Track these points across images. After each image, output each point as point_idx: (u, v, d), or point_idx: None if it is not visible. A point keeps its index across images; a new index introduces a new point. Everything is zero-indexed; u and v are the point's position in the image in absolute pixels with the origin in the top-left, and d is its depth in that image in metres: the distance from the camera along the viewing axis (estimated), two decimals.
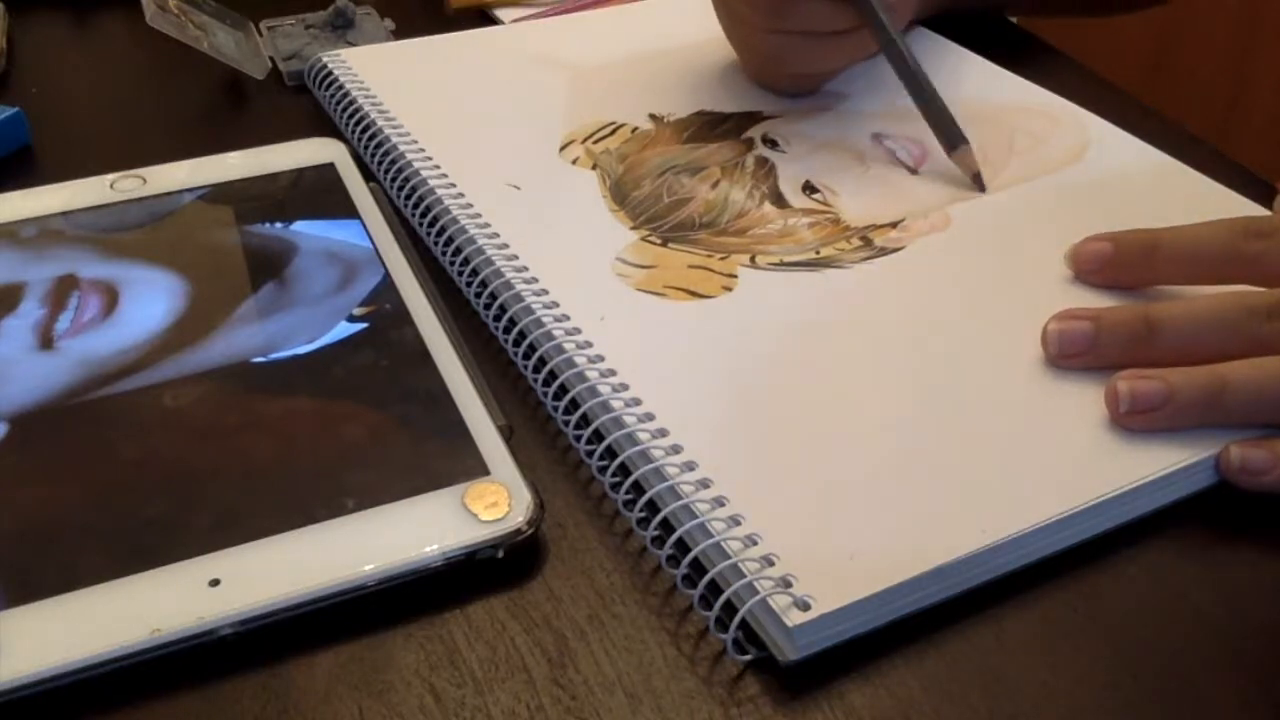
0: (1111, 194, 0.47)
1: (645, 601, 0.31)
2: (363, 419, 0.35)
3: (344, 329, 0.39)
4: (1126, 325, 0.37)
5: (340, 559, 0.31)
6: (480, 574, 0.32)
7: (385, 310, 0.40)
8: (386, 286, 0.41)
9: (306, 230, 0.44)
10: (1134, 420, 0.35)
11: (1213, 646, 0.31)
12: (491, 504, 0.32)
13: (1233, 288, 0.38)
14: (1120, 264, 0.40)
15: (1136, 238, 0.40)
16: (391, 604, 0.31)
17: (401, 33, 0.61)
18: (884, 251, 0.44)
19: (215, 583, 0.30)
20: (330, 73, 0.54)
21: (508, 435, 0.35)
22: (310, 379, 0.37)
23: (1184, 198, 0.47)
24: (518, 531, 0.32)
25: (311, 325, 0.39)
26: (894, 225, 0.45)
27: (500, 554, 0.32)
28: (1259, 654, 0.30)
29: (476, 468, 0.34)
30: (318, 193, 0.46)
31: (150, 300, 0.40)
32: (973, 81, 0.56)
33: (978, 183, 0.48)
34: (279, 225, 0.44)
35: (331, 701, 0.29)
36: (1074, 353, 0.37)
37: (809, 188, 0.47)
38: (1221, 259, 0.38)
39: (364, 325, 0.39)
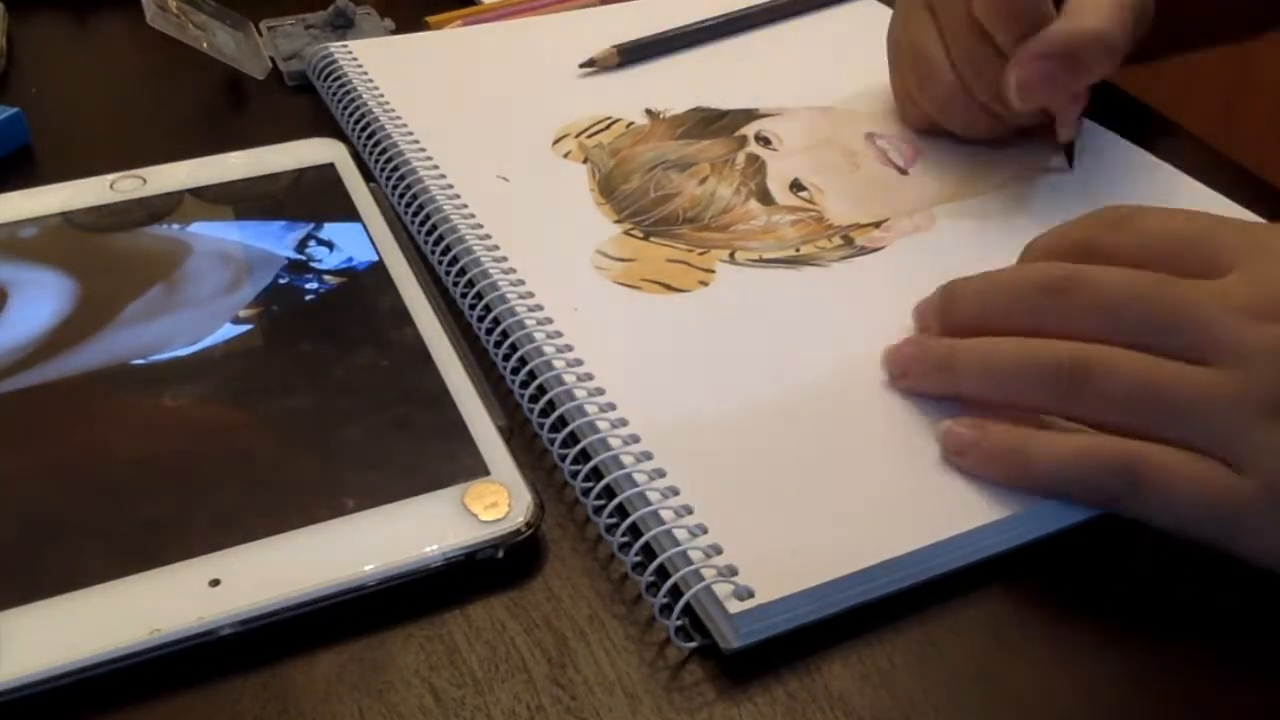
0: (1098, 197, 0.47)
1: (645, 601, 0.31)
2: (250, 425, 0.35)
3: (228, 330, 0.39)
4: (932, 299, 0.37)
5: (340, 559, 0.31)
6: (480, 574, 0.32)
7: (385, 310, 0.40)
8: (387, 287, 0.41)
9: (203, 231, 0.44)
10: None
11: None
12: (491, 504, 0.32)
13: (1034, 263, 0.37)
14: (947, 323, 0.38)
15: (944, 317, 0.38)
16: (391, 604, 0.31)
17: (401, 33, 0.61)
18: (864, 251, 0.44)
19: (215, 583, 0.30)
20: (334, 63, 0.55)
21: (508, 435, 0.35)
22: (190, 381, 0.37)
23: (1172, 202, 0.46)
24: (518, 531, 0.32)
25: (195, 327, 0.39)
26: (877, 225, 0.45)
27: (500, 554, 0.32)
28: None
29: (476, 468, 0.34)
30: (318, 193, 0.46)
31: (38, 302, 0.40)
32: None
33: (1068, 153, 0.49)
34: (176, 226, 0.44)
35: (331, 701, 0.29)
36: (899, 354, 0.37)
37: (797, 186, 0.47)
38: (1069, 249, 0.36)
39: (249, 327, 0.39)
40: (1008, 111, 0.47)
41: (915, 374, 0.36)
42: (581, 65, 0.55)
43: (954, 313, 0.37)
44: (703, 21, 0.59)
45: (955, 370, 0.35)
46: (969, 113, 0.48)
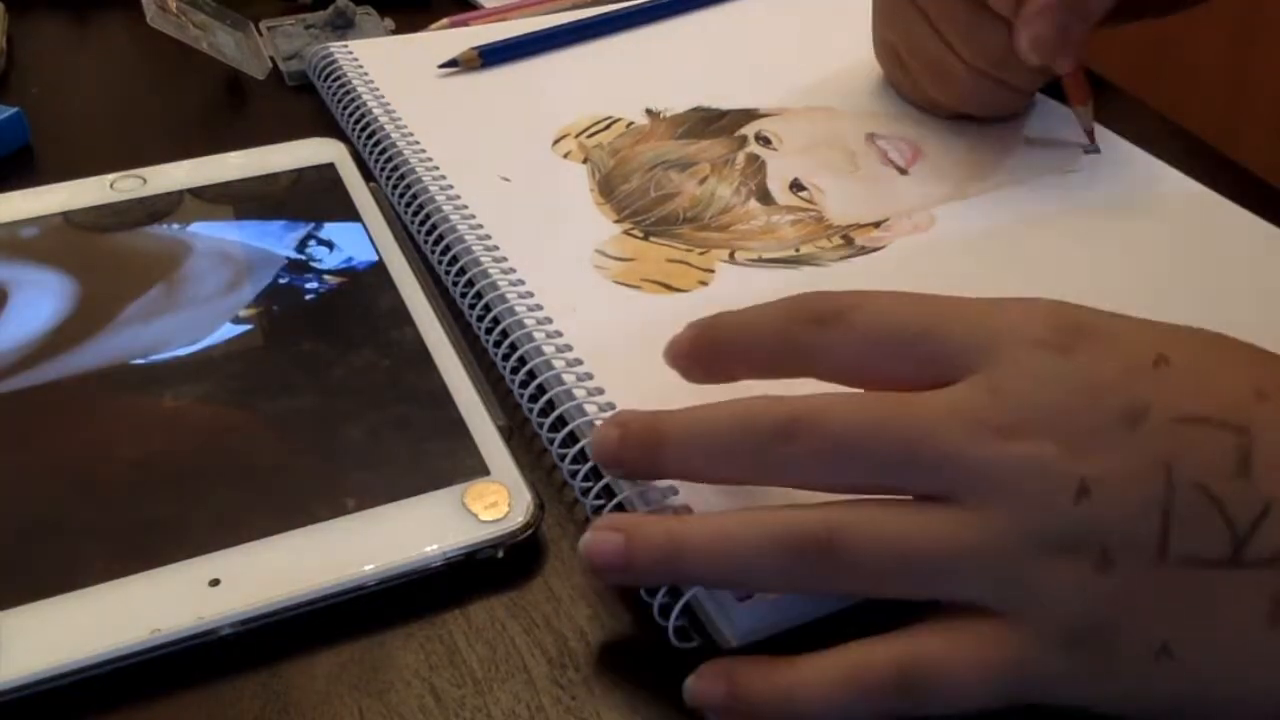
0: (1100, 201, 0.47)
1: (645, 601, 0.31)
2: (250, 425, 0.35)
3: (228, 330, 0.39)
4: (638, 435, 0.30)
5: (340, 559, 0.31)
6: (480, 574, 0.32)
7: (385, 310, 0.40)
8: (387, 287, 0.41)
9: (203, 231, 0.44)
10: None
11: None
12: (491, 504, 0.32)
13: (749, 399, 0.30)
14: (698, 361, 0.33)
15: (703, 330, 0.32)
16: (391, 604, 0.31)
17: (401, 33, 0.61)
18: (864, 251, 0.44)
19: (215, 583, 0.30)
20: (334, 63, 0.55)
21: (508, 435, 0.35)
22: (190, 381, 0.37)
23: (1174, 205, 0.47)
24: (518, 531, 0.32)
25: (195, 327, 0.39)
26: (877, 225, 0.45)
27: (500, 554, 0.32)
28: None
29: (476, 468, 0.34)
30: (318, 193, 0.46)
31: (38, 302, 0.40)
32: None
33: (1090, 138, 0.49)
34: (176, 226, 0.44)
35: (331, 701, 0.29)
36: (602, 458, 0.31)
37: (796, 186, 0.47)
38: (771, 350, 0.31)
39: (249, 327, 0.39)
40: (1016, 78, 0.47)
41: (635, 567, 0.29)
42: (441, 65, 0.55)
43: (665, 461, 0.30)
44: (577, 21, 0.59)
45: (683, 560, 0.28)
46: (980, 90, 0.49)
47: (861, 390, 0.30)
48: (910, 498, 0.28)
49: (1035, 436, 0.27)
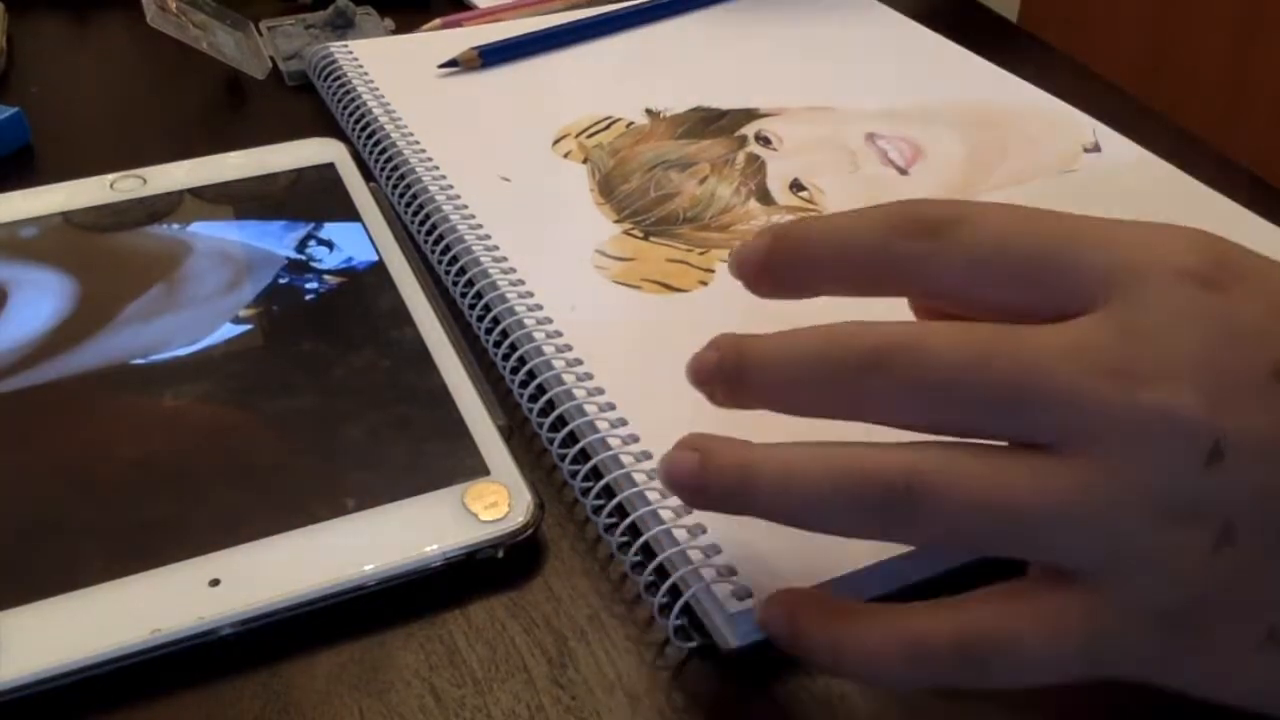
0: (1104, 200, 0.47)
1: (645, 601, 0.31)
2: (250, 425, 0.35)
3: (228, 330, 0.39)
4: (724, 358, 0.28)
5: (340, 559, 0.31)
6: (480, 574, 0.32)
7: (385, 310, 0.40)
8: (387, 287, 0.41)
9: (203, 231, 0.44)
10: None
11: None
12: (491, 504, 0.32)
13: (839, 325, 0.27)
14: (774, 273, 0.29)
15: (785, 237, 0.29)
16: (391, 604, 0.31)
17: (401, 33, 0.61)
18: None
19: (215, 583, 0.30)
20: (334, 62, 0.55)
21: (508, 435, 0.35)
22: (190, 381, 0.37)
23: (1179, 205, 0.47)
24: (518, 531, 0.32)
25: (195, 327, 0.39)
26: None
27: (500, 554, 0.32)
28: None
29: (476, 468, 0.34)
30: (318, 193, 0.46)
31: (38, 302, 0.40)
32: (971, 82, 0.56)
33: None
34: (176, 226, 0.44)
35: (331, 701, 0.29)
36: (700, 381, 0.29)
37: (796, 186, 0.47)
38: (868, 264, 0.27)
39: (249, 327, 0.39)
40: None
41: (709, 491, 0.27)
42: (441, 65, 0.55)
43: (745, 390, 0.28)
44: (577, 21, 0.59)
45: (752, 493, 0.26)
46: None
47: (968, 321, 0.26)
48: (1005, 444, 0.25)
49: (1171, 383, 0.23)
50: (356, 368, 0.38)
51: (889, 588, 0.31)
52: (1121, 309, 0.24)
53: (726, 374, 0.28)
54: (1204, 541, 0.23)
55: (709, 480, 0.27)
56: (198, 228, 0.44)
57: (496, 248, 0.42)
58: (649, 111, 0.52)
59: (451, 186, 0.46)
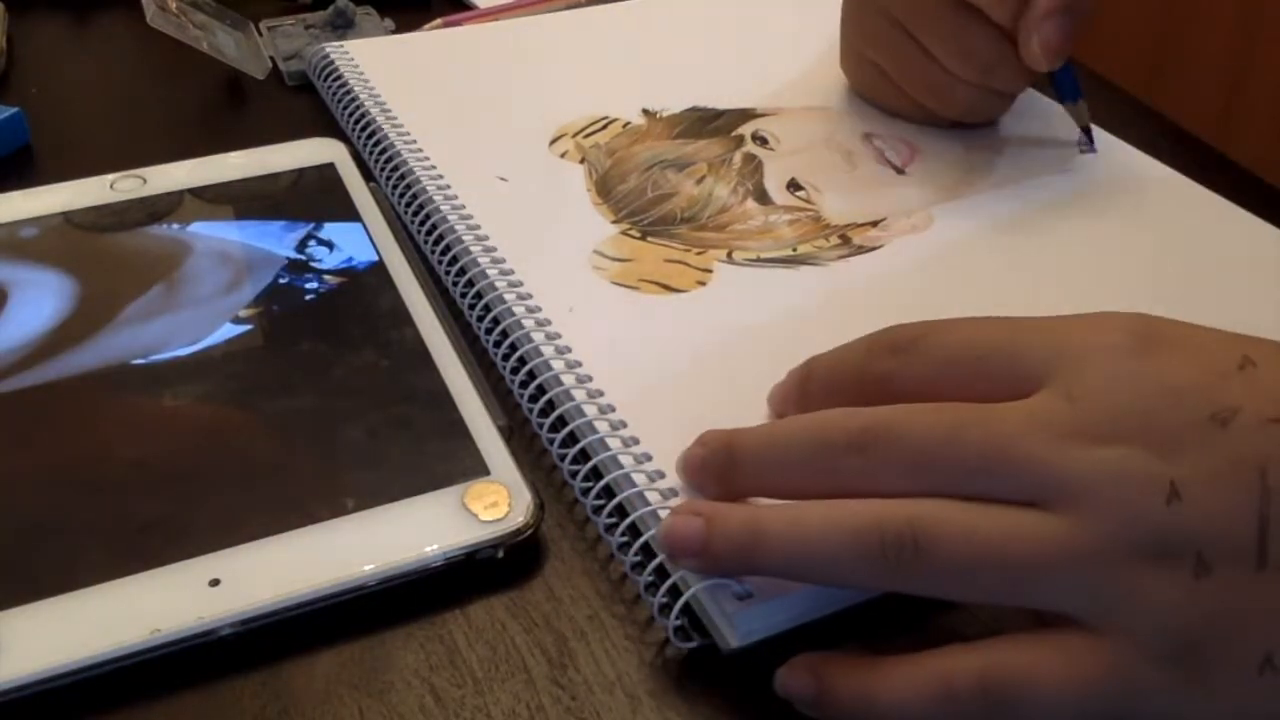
0: (1099, 200, 0.47)
1: (644, 601, 0.31)
2: (250, 425, 0.35)
3: (228, 330, 0.39)
4: (713, 453, 0.31)
5: (340, 559, 0.31)
6: (480, 574, 0.32)
7: (385, 310, 0.40)
8: (387, 287, 0.41)
9: (203, 231, 0.44)
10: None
11: None
12: (491, 504, 0.32)
13: (823, 412, 0.30)
14: (784, 399, 0.34)
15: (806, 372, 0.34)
16: (391, 604, 0.31)
17: (401, 33, 0.61)
18: (861, 250, 0.44)
19: (215, 583, 0.30)
20: (334, 63, 0.55)
21: (508, 435, 0.35)
22: (190, 381, 0.37)
23: (1172, 205, 0.47)
24: (518, 531, 0.32)
25: (195, 327, 0.39)
26: (874, 224, 0.45)
27: (500, 554, 0.32)
28: None
29: (476, 468, 0.34)
30: (317, 193, 0.46)
31: (38, 302, 0.40)
32: None
33: (1087, 136, 0.49)
34: (176, 226, 0.44)
35: (331, 701, 0.29)
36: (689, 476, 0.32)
37: (794, 185, 0.47)
38: (856, 383, 0.32)
39: (249, 327, 0.39)
40: (1005, 83, 0.48)
41: (712, 553, 0.29)
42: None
43: (738, 477, 0.31)
44: None
45: (760, 552, 0.28)
46: (969, 98, 0.49)
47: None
48: (995, 502, 0.27)
49: (1119, 440, 0.26)
50: (356, 368, 0.38)
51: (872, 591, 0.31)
52: (1065, 381, 0.27)
53: (718, 465, 0.31)
54: (1183, 575, 0.25)
55: (716, 541, 0.29)
56: (198, 228, 0.44)
57: (495, 248, 0.42)
58: (646, 111, 0.52)
59: (449, 187, 0.46)
